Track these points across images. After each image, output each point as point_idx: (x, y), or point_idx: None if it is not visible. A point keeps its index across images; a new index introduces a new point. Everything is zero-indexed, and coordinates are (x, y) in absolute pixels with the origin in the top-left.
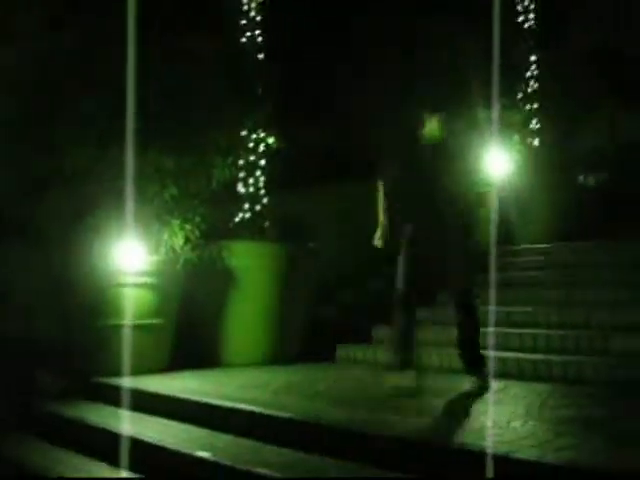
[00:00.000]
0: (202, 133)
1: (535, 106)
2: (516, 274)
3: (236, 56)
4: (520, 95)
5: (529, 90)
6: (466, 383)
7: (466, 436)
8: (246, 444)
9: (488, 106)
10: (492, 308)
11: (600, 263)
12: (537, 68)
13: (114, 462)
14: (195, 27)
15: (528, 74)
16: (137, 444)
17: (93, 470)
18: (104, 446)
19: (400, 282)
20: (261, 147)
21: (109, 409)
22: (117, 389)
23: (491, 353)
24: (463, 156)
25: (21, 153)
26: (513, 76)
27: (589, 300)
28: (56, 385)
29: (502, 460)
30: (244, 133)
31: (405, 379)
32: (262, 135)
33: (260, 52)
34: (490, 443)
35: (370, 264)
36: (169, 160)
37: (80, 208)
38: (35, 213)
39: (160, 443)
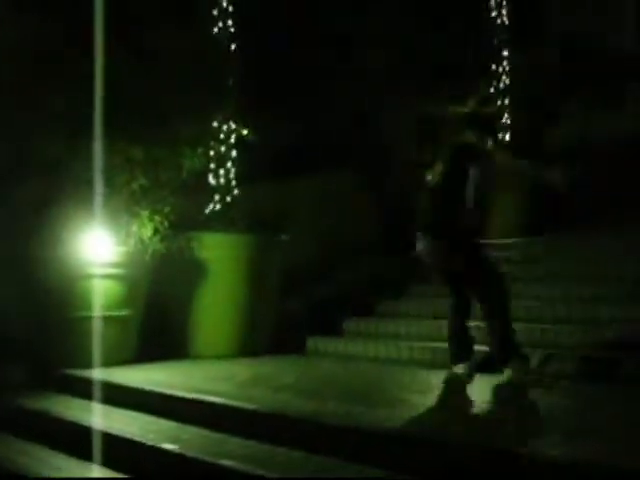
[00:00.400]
0: (171, 123)
1: (506, 102)
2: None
3: (206, 47)
4: (492, 90)
5: (501, 85)
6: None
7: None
8: (212, 436)
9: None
10: None
11: (568, 257)
12: (509, 63)
13: (81, 454)
14: (165, 18)
15: (500, 69)
16: (104, 436)
17: (60, 463)
18: (71, 438)
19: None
20: (232, 138)
21: (77, 401)
22: (85, 381)
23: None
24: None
25: None
26: (485, 71)
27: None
28: (22, 377)
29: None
30: (215, 124)
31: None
32: (233, 126)
33: (232, 43)
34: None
35: (341, 256)
36: (138, 150)
37: (48, 198)
38: (1, 203)
39: (127, 435)
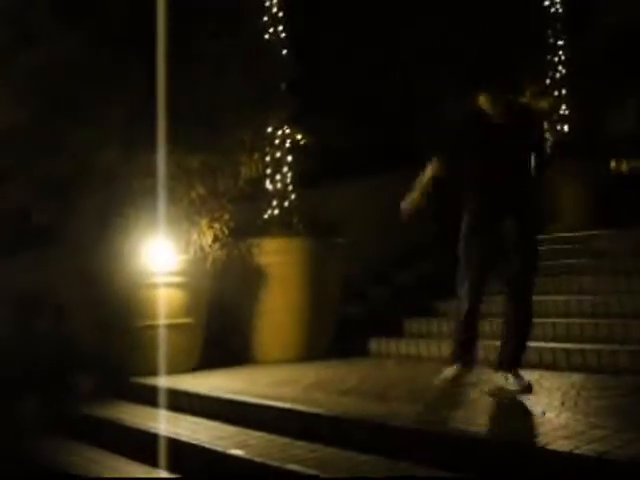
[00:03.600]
0: (227, 131)
1: (564, 92)
2: (549, 263)
3: (258, 53)
4: (548, 81)
5: (557, 76)
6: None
7: (502, 428)
8: (278, 441)
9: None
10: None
11: (635, 250)
12: (565, 53)
13: (149, 461)
14: (217, 26)
15: (556, 59)
16: (172, 443)
17: (129, 470)
18: (139, 446)
19: (466, 291)
20: (287, 143)
21: (144, 409)
22: (150, 389)
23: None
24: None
25: (43, 155)
26: (541, 62)
27: (622, 288)
28: (89, 386)
29: (539, 452)
30: (269, 130)
31: (452, 371)
32: (288, 131)
33: (283, 48)
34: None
35: (401, 258)
36: (195, 159)
37: (108, 209)
38: (63, 215)
39: (194, 442)
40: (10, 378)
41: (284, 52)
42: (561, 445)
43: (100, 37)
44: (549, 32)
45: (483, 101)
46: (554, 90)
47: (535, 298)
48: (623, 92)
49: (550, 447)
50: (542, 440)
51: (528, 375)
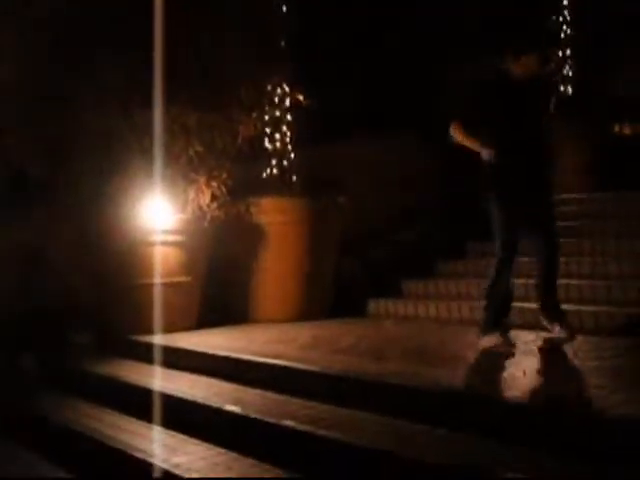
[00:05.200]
0: (224, 88)
1: (568, 53)
2: None
3: (258, 9)
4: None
5: (562, 36)
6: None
7: (491, 386)
8: (274, 398)
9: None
10: (524, 259)
11: (636, 214)
12: (570, 13)
13: (146, 417)
14: None
15: (560, 19)
16: (168, 399)
17: (126, 425)
18: (136, 402)
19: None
20: (287, 102)
21: (140, 366)
22: (148, 346)
23: (524, 304)
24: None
25: (41, 112)
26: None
27: (622, 250)
28: (87, 343)
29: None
30: (269, 88)
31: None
32: (287, 90)
33: (283, 4)
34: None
35: (401, 217)
36: (192, 117)
37: (106, 167)
38: (61, 173)
39: (190, 397)
40: (9, 334)
41: (284, 8)
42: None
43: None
44: None
45: (526, 63)
46: (558, 51)
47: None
48: (629, 54)
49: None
50: (534, 400)
51: (526, 336)
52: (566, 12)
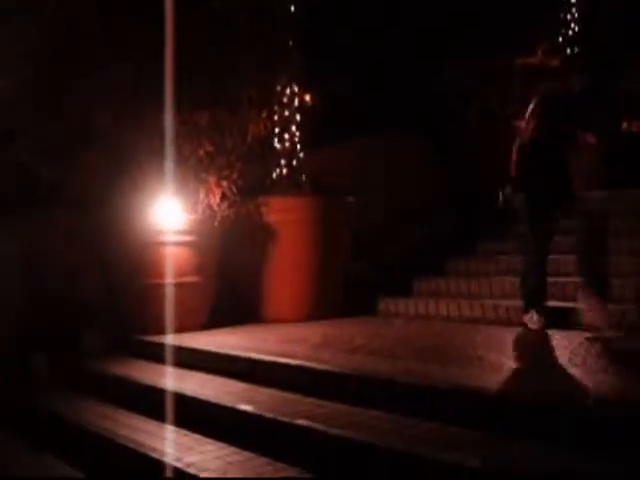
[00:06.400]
0: (234, 89)
1: (576, 50)
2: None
3: (266, 9)
4: (561, 39)
5: (570, 33)
6: (508, 334)
7: (507, 385)
8: (287, 397)
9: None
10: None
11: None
12: (578, 10)
13: (158, 416)
14: None
15: (569, 17)
16: (180, 398)
17: (139, 424)
18: (148, 401)
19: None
20: (295, 102)
21: (151, 366)
22: (159, 346)
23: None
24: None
25: (50, 113)
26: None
27: (635, 249)
28: (99, 343)
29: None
30: (278, 88)
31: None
32: (296, 90)
33: (291, 4)
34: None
35: (412, 216)
36: (202, 117)
37: (116, 168)
38: (70, 175)
39: (203, 397)
40: (22, 336)
41: (292, 9)
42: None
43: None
44: None
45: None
46: (567, 47)
47: (550, 257)
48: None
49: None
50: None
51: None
52: (574, 9)
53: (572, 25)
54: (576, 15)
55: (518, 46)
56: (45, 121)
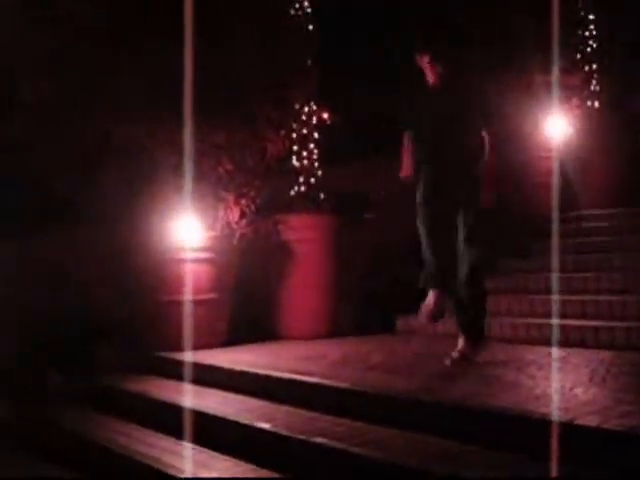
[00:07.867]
0: (253, 108)
1: (594, 67)
2: (580, 240)
3: (284, 28)
4: (579, 56)
5: (588, 50)
6: (528, 353)
7: (527, 403)
8: (304, 415)
9: (546, 69)
10: (554, 275)
11: None
12: (595, 27)
13: (175, 434)
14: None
15: (587, 34)
16: (197, 416)
17: (155, 441)
18: (165, 418)
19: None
20: (314, 120)
21: (168, 382)
22: (177, 363)
23: (554, 321)
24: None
25: (69, 129)
26: (571, 36)
27: None
28: (115, 359)
29: (566, 427)
30: (296, 106)
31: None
32: (314, 108)
33: (309, 23)
34: (553, 410)
35: None
36: (221, 135)
37: (134, 184)
38: (89, 190)
39: (220, 414)
40: (37, 350)
41: (310, 27)
42: (588, 420)
43: (125, 14)
44: (579, 5)
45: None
46: (584, 65)
47: (566, 275)
48: None
49: (577, 422)
50: (568, 415)
51: (555, 352)
52: (592, 26)
53: (590, 42)
54: (594, 32)
55: None
56: (62, 136)
